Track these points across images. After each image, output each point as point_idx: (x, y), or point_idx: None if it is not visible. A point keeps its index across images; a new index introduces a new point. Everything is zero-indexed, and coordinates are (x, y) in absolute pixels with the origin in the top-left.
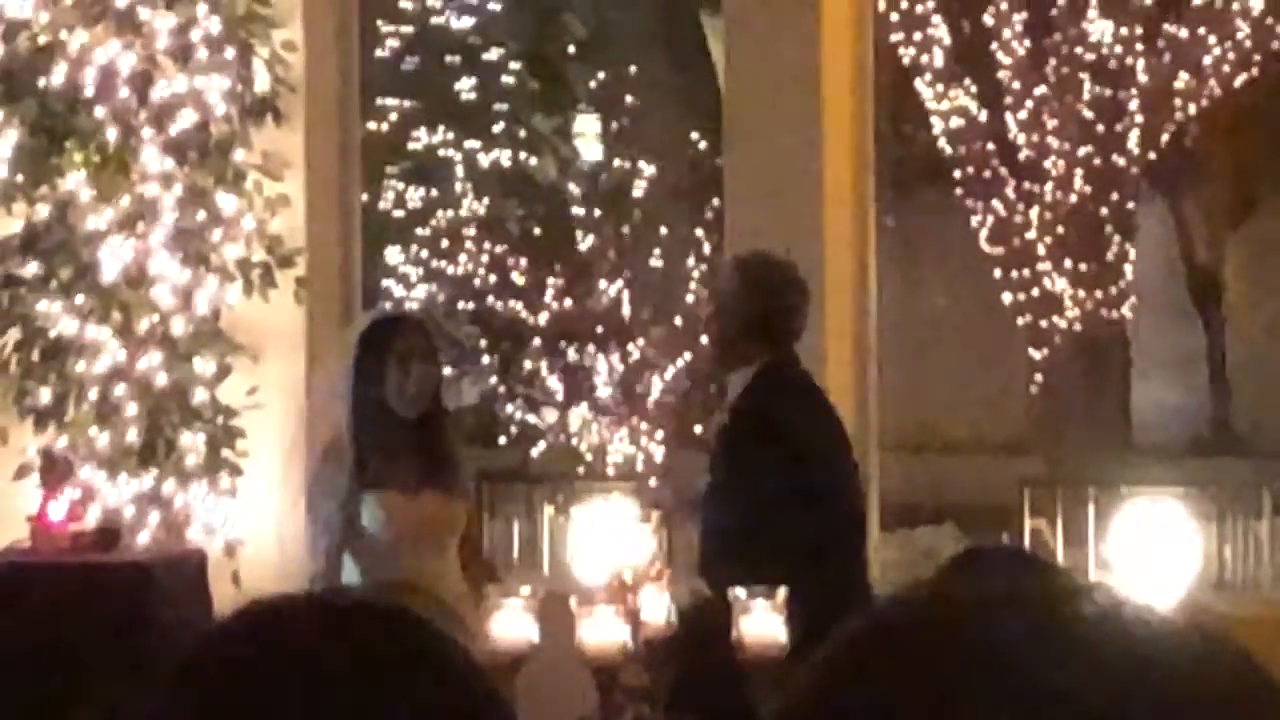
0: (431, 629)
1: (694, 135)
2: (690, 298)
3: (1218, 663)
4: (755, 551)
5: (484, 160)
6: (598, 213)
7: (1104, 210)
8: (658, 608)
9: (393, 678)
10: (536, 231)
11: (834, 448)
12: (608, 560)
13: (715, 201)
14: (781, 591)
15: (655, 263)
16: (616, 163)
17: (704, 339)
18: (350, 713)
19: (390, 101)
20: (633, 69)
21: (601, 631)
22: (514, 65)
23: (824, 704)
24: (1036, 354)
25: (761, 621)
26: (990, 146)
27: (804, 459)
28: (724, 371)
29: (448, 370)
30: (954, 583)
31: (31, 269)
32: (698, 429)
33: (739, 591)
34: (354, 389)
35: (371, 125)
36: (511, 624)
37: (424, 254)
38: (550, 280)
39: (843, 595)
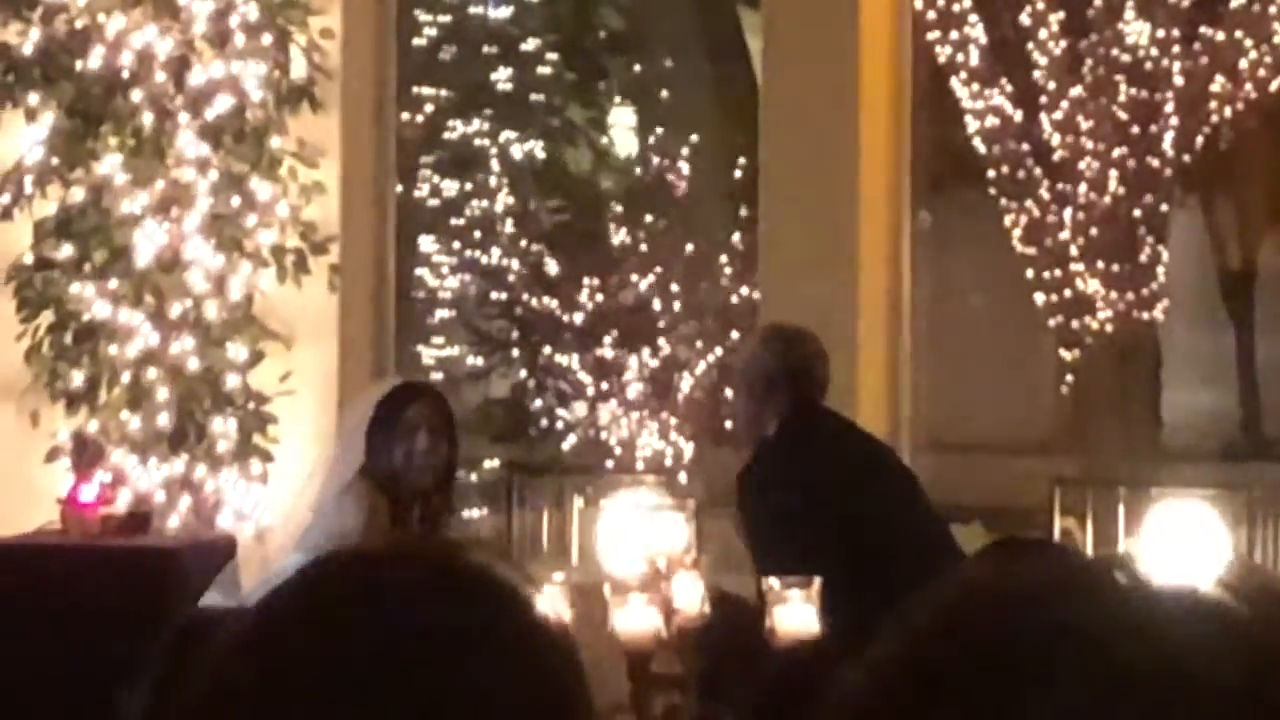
0: (521, 593)
1: (731, 130)
2: (721, 294)
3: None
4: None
5: (518, 152)
6: (632, 207)
7: (1137, 212)
8: (691, 596)
9: (487, 641)
10: (569, 224)
11: (838, 493)
12: (638, 550)
13: (750, 198)
14: (816, 582)
15: (688, 258)
16: (652, 157)
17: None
18: (445, 674)
19: (426, 91)
20: (669, 62)
21: (635, 619)
22: (550, 56)
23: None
24: (1068, 354)
25: (795, 612)
26: (1025, 147)
27: (799, 513)
28: (753, 435)
29: (478, 361)
30: (1002, 569)
31: (65, 252)
32: (728, 424)
33: (773, 581)
34: (373, 454)
35: (407, 115)
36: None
37: (457, 245)
38: (584, 277)
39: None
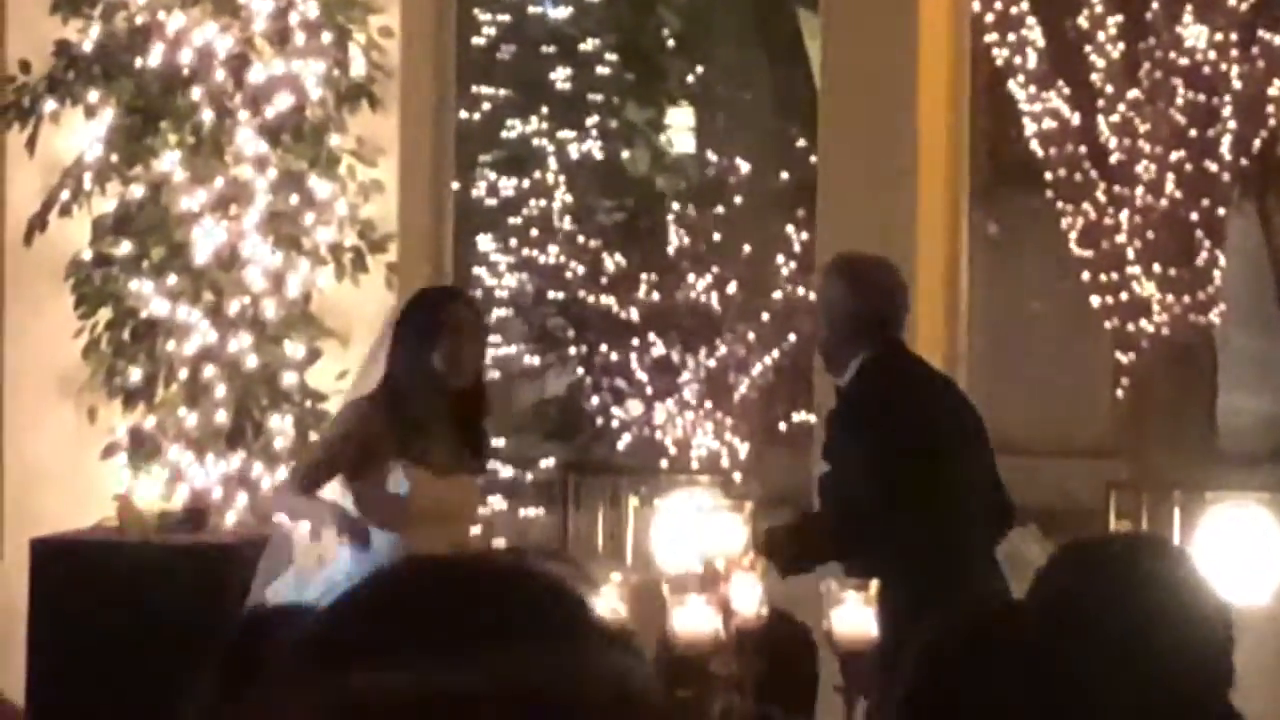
0: (579, 597)
1: (788, 131)
2: (779, 294)
3: None
4: (880, 530)
5: (576, 151)
6: (689, 207)
7: (1194, 215)
8: (749, 598)
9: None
10: (627, 223)
11: (947, 424)
12: (694, 550)
13: (808, 199)
14: (874, 584)
15: (745, 259)
16: (710, 157)
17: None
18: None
19: (485, 90)
20: (728, 63)
21: (693, 620)
22: (609, 56)
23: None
24: (1124, 358)
25: (853, 613)
26: (1082, 149)
27: (914, 437)
28: (837, 372)
29: (535, 360)
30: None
31: (124, 248)
32: (782, 426)
33: (830, 583)
34: (400, 356)
35: (465, 113)
36: (602, 611)
37: (514, 243)
38: (641, 275)
39: (965, 571)
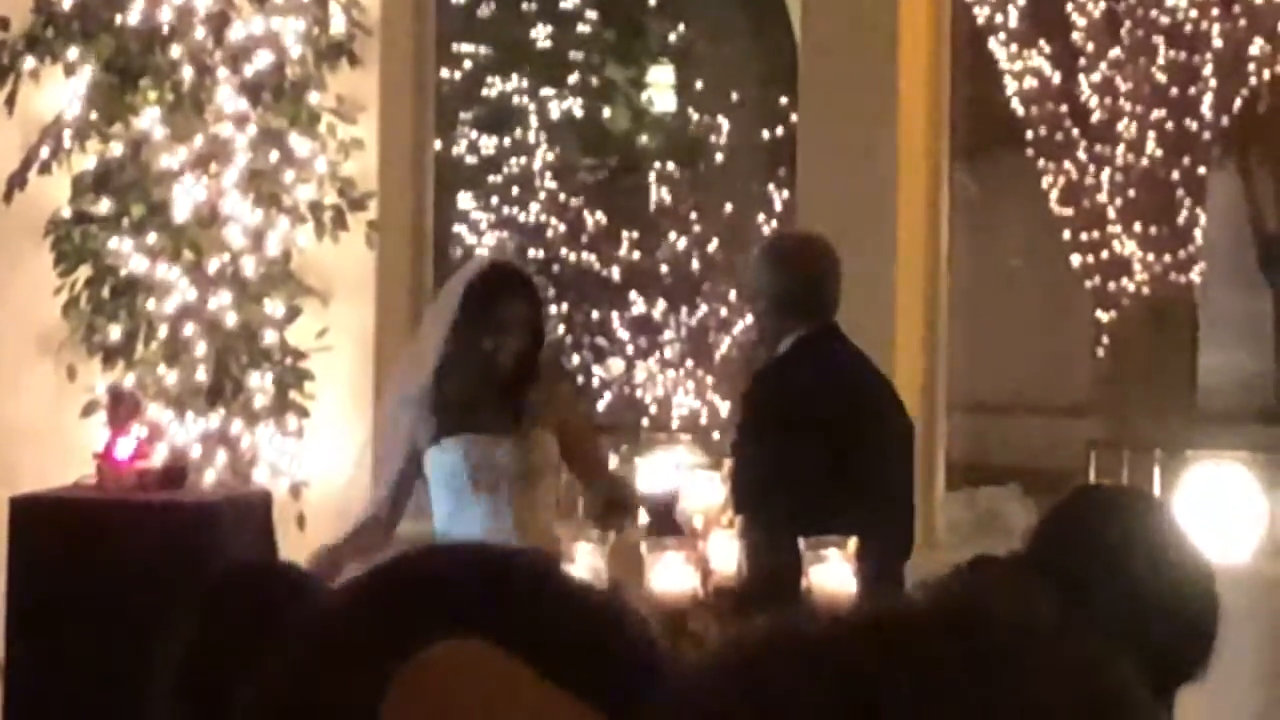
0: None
1: (769, 89)
2: None
3: None
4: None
5: (556, 109)
6: (670, 165)
7: (1175, 174)
8: (727, 555)
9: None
10: (608, 181)
11: (837, 418)
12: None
13: (789, 157)
14: (852, 541)
15: (726, 217)
16: (691, 115)
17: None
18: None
19: (465, 48)
20: (708, 21)
21: (671, 577)
22: (590, 14)
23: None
24: (1104, 316)
25: (834, 571)
26: (1063, 108)
27: (796, 430)
28: (770, 350)
29: None
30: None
31: (104, 206)
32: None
33: (808, 541)
34: (459, 335)
35: (446, 71)
36: (582, 569)
37: (495, 201)
38: (623, 233)
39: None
